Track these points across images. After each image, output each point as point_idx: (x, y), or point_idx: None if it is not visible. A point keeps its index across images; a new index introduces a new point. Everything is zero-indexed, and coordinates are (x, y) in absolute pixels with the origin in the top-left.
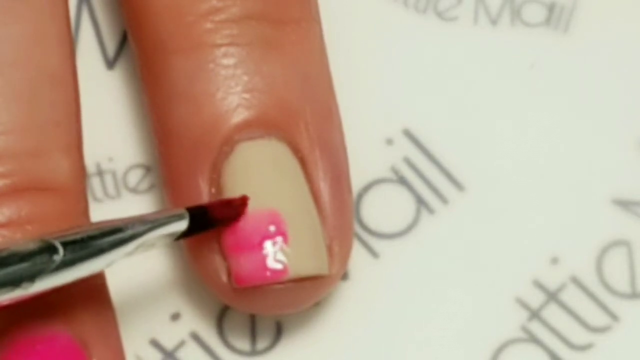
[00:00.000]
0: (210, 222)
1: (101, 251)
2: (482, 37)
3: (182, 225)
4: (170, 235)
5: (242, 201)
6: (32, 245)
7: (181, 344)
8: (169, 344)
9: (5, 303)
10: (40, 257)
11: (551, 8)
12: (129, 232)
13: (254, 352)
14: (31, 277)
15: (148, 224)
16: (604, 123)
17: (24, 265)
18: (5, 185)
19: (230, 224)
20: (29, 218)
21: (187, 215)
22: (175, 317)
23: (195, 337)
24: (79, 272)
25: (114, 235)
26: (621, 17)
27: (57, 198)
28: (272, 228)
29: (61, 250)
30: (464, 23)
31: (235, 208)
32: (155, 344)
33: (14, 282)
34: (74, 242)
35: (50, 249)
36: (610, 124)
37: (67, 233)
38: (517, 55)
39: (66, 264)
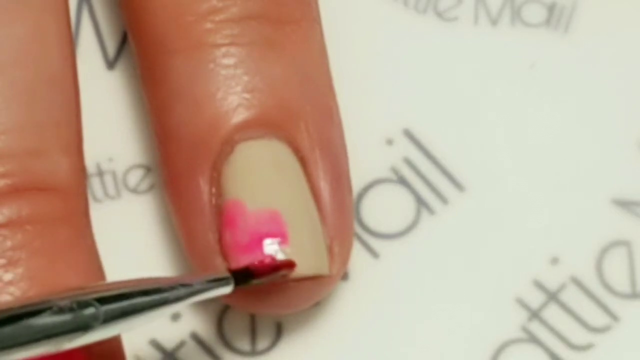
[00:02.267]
0: (254, 282)
1: (140, 311)
2: (482, 37)
3: (226, 290)
4: (213, 297)
5: (289, 264)
6: (72, 304)
7: (181, 344)
8: (169, 344)
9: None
10: (80, 315)
11: (551, 8)
12: (172, 295)
13: (254, 352)
14: (69, 335)
15: (192, 287)
16: (604, 123)
17: (62, 323)
18: (5, 185)
19: (274, 283)
20: (29, 218)
21: (232, 280)
22: (175, 317)
23: (195, 337)
24: (114, 330)
25: (155, 296)
26: (621, 17)
27: (57, 198)
28: (272, 228)
29: (101, 313)
30: (464, 23)
31: (281, 270)
32: (155, 344)
33: (50, 338)
34: (113, 300)
35: (90, 307)
36: (610, 124)
37: (106, 289)
38: (517, 55)
39: (104, 322)
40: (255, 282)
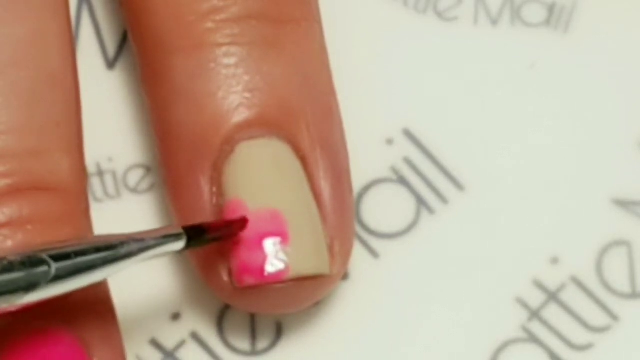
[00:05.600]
0: (207, 239)
1: (92, 268)
2: (482, 37)
3: (178, 245)
4: (166, 253)
5: (241, 222)
6: (24, 259)
7: (181, 344)
8: (169, 344)
9: None
10: (32, 270)
11: (551, 8)
12: (123, 251)
13: (254, 352)
14: (24, 290)
15: (144, 243)
16: (604, 123)
17: (15, 278)
18: (5, 185)
19: (227, 240)
20: (30, 218)
21: (184, 236)
22: (175, 317)
23: (195, 337)
24: (67, 287)
25: (107, 252)
26: (621, 17)
27: (58, 198)
28: (273, 227)
29: (53, 266)
30: (464, 23)
31: (233, 228)
32: (155, 344)
33: (4, 294)
34: (65, 257)
35: (42, 264)
36: (610, 124)
37: (59, 247)
38: (517, 55)
39: (56, 279)
40: (208, 238)
